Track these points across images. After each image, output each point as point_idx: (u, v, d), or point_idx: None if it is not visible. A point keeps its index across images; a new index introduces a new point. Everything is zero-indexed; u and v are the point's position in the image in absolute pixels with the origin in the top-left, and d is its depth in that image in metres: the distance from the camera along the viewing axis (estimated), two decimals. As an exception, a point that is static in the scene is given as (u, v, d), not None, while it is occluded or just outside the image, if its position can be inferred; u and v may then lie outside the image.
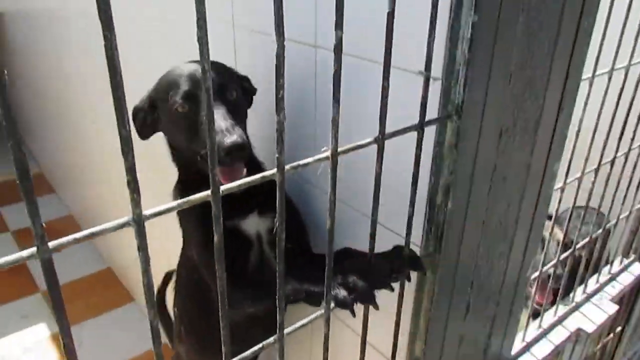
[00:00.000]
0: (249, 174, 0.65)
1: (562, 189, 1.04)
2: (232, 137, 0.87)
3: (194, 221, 1.08)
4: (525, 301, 1.25)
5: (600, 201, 1.19)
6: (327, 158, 0.54)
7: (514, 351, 1.09)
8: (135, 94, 1.05)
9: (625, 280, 1.41)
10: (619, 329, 1.62)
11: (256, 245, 1.09)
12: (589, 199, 1.14)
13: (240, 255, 1.07)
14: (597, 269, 1.38)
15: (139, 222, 0.40)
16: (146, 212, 0.41)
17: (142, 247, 0.41)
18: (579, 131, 0.98)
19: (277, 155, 0.49)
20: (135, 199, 0.39)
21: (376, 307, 0.74)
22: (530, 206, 0.84)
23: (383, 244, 0.79)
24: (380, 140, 0.59)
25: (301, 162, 0.53)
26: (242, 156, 0.90)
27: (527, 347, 1.15)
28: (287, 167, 0.51)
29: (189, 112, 0.97)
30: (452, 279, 0.79)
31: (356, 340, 1.05)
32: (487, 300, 0.88)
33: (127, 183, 0.38)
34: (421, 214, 0.76)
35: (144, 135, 1.10)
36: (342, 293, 0.73)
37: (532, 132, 0.76)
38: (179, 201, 0.44)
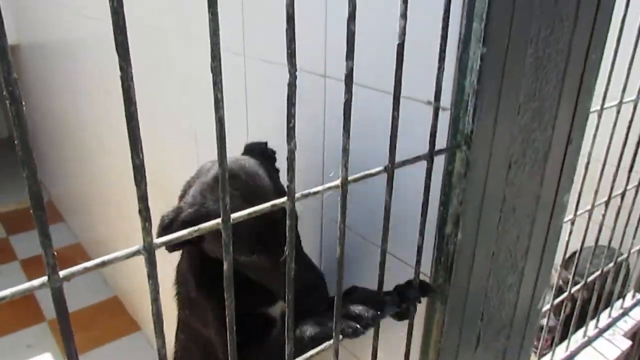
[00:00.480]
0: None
1: (573, 221, 1.03)
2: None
3: (213, 302, 1.02)
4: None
5: (611, 234, 1.18)
6: (337, 187, 0.54)
7: (525, 386, 1.06)
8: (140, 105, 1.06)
9: (638, 315, 1.38)
10: (632, 364, 1.59)
11: (279, 323, 1.07)
12: (599, 234, 1.13)
13: (262, 333, 1.05)
14: (609, 304, 1.36)
15: (149, 251, 0.40)
16: (157, 240, 0.41)
17: (152, 276, 0.41)
18: (588, 163, 0.98)
19: (287, 184, 0.49)
20: (147, 227, 0.39)
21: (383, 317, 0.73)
22: (540, 237, 0.83)
23: (392, 273, 0.78)
24: (390, 169, 0.59)
25: (311, 190, 0.53)
26: None
27: (539, 382, 1.12)
28: (297, 194, 0.51)
29: (257, 261, 0.90)
30: (462, 310, 0.78)
31: (364, 373, 1.03)
32: (497, 333, 0.86)
33: (138, 211, 0.38)
34: (431, 243, 0.76)
35: (172, 251, 0.94)
36: (350, 325, 0.72)
37: (542, 163, 0.76)
38: (190, 229, 0.44)
